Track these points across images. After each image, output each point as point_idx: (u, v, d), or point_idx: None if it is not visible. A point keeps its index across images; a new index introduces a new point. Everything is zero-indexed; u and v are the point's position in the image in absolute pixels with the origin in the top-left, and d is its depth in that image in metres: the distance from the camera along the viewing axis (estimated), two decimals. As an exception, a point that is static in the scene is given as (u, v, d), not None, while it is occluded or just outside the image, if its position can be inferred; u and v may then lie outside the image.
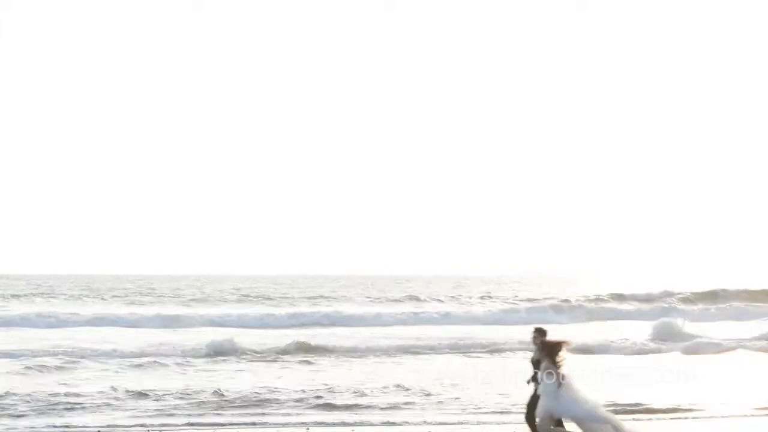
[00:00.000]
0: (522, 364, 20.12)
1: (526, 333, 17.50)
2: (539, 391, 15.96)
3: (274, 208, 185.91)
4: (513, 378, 25.80)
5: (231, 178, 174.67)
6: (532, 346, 16.45)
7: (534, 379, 16.30)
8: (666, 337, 38.29)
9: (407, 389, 25.49)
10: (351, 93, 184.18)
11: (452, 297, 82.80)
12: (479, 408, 22.79)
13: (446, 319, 55.48)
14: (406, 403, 23.39)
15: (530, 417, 16.39)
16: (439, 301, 77.12)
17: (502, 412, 22.13)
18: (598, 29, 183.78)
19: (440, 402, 23.80)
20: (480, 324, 52.38)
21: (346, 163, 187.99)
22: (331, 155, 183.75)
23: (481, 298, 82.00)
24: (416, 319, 54.56)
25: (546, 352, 15.82)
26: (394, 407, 22.91)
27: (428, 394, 24.75)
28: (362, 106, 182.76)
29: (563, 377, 15.69)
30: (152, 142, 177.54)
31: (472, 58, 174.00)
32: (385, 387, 25.83)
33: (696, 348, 35.37)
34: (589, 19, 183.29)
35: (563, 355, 15.83)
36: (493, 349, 37.24)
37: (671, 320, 41.17)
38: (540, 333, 16.34)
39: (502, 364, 33.07)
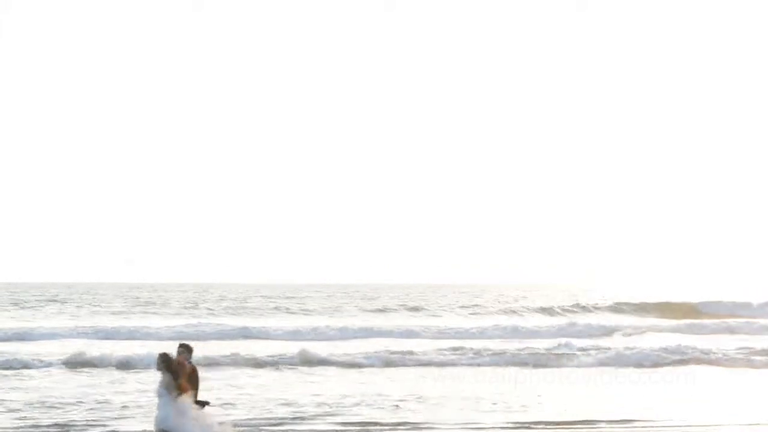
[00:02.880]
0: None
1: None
2: (158, 406, 16.20)
3: (267, 210, 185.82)
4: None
5: (228, 180, 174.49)
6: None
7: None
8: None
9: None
10: (354, 95, 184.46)
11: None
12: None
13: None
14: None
15: None
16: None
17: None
18: (598, 29, 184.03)
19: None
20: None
21: (342, 166, 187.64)
22: (326, 155, 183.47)
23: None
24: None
25: (172, 368, 16.14)
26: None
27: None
28: (366, 107, 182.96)
29: (178, 396, 16.08)
30: (151, 142, 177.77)
31: (473, 59, 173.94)
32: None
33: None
34: (589, 19, 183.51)
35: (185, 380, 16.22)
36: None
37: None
38: (187, 349, 16.47)
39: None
